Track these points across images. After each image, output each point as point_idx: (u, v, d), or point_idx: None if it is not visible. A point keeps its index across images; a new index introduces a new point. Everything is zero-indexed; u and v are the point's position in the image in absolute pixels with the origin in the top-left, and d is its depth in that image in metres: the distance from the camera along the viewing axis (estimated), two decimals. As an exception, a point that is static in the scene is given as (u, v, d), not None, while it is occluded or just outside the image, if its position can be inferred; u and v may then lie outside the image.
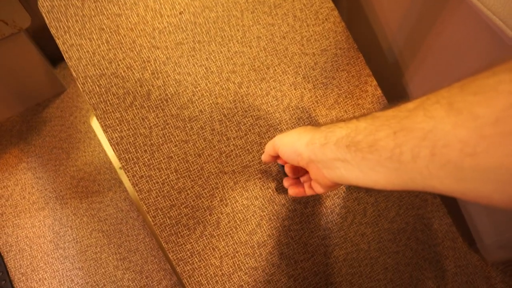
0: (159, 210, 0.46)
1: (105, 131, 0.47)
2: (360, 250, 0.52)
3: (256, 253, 0.48)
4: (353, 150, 0.28)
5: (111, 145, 0.47)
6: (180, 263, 0.45)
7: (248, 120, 0.51)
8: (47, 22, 0.48)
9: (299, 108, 0.53)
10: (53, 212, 0.82)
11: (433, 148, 0.21)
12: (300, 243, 0.49)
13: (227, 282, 0.46)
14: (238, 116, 0.51)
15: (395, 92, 0.92)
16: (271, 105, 0.52)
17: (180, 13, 0.53)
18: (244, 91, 0.52)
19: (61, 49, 0.48)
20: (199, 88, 0.51)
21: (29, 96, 0.93)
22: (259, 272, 0.47)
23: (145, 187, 0.46)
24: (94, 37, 0.49)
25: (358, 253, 0.51)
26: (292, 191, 0.44)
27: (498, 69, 0.19)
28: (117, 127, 0.47)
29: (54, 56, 0.98)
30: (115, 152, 0.47)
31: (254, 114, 0.51)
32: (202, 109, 0.50)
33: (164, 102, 0.49)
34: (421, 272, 0.53)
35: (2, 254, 0.77)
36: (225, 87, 0.51)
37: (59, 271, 0.77)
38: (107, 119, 0.47)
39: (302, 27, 0.56)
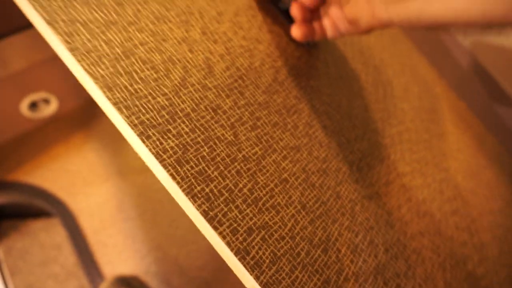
0: (78, 24, 0.24)
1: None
2: (409, 130, 0.41)
3: (289, 123, 0.31)
4: None
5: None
6: (151, 132, 0.24)
7: None
8: None
9: None
10: (115, 183, 0.99)
11: None
12: (341, 113, 0.36)
13: (258, 173, 0.26)
14: None
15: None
16: None
17: None
18: None
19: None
20: None
21: None
22: (305, 156, 0.30)
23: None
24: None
25: (409, 133, 0.41)
26: (300, 31, 0.32)
27: None
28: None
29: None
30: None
31: None
32: None
33: None
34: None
35: (76, 217, 0.93)
36: None
37: (124, 229, 0.92)
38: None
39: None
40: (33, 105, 1.01)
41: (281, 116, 0.30)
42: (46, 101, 1.04)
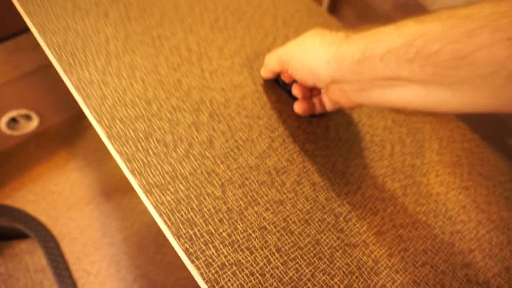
0: (117, 120, 0.34)
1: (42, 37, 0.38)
2: (419, 183, 0.41)
3: (277, 181, 0.35)
4: (421, 64, 0.21)
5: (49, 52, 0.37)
6: (154, 190, 0.31)
7: (232, 47, 0.45)
8: (56, 58, 0.38)
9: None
10: (99, 206, 0.93)
11: None
12: (335, 171, 0.38)
13: (238, 221, 0.31)
14: (218, 41, 0.45)
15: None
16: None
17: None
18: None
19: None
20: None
21: (73, 103, 1.05)
22: (288, 208, 0.34)
23: (96, 92, 0.35)
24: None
25: (418, 187, 0.41)
26: (300, 107, 0.36)
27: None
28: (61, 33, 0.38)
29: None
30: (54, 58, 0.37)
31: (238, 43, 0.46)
32: (174, 31, 0.44)
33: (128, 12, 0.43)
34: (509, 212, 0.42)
35: (58, 242, 0.88)
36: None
37: (107, 255, 0.87)
38: (48, 28, 0.39)
39: None
40: (14, 121, 0.96)
41: (269, 176, 0.35)
42: (28, 117, 0.98)
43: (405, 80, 0.23)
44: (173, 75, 0.40)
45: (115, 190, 0.96)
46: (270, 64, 0.36)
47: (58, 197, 0.94)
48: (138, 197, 1.00)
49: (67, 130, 1.05)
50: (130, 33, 0.42)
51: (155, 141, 0.34)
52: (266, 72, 0.38)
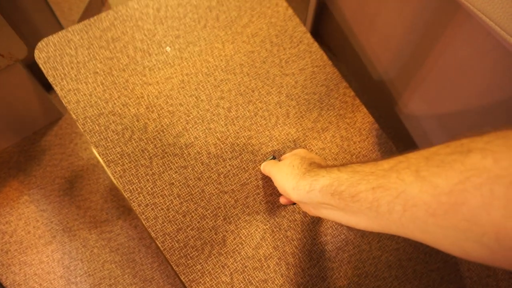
0: (166, 235, 0.49)
1: (107, 166, 0.50)
2: (362, 251, 0.54)
3: (264, 265, 0.50)
4: (337, 198, 0.32)
5: (114, 179, 0.50)
6: (192, 284, 0.48)
7: (241, 141, 0.55)
8: (44, 72, 0.52)
9: (286, 124, 0.57)
10: (62, 245, 0.83)
11: (405, 205, 0.25)
12: (304, 251, 0.52)
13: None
14: (231, 138, 0.55)
15: (389, 121, 0.97)
16: (260, 124, 0.56)
17: (166, 51, 0.57)
18: (233, 114, 0.56)
19: (59, 94, 0.52)
20: (191, 116, 0.55)
21: (25, 125, 0.92)
22: (269, 285, 0.50)
23: (151, 214, 0.49)
24: (90, 81, 0.53)
25: (361, 254, 0.54)
26: (283, 200, 0.50)
27: (455, 148, 0.24)
28: (119, 161, 0.50)
29: (46, 80, 0.97)
30: (118, 185, 0.50)
31: (246, 135, 0.55)
32: (197, 136, 0.54)
33: (161, 132, 0.53)
34: (424, 266, 0.56)
35: (13, 295, 0.78)
36: (216, 112, 0.55)
37: (73, 306, 0.78)
38: (109, 155, 0.50)
39: (279, 51, 0.60)
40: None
41: (259, 262, 0.51)
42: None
43: (334, 206, 0.33)
44: (198, 185, 0.52)
45: (80, 225, 0.86)
46: (265, 173, 0.51)
47: (10, 238, 0.83)
48: (109, 231, 0.90)
49: (18, 156, 0.92)
50: (165, 146, 0.53)
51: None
52: (264, 173, 0.53)
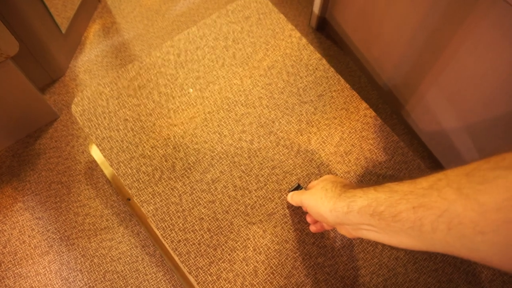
0: (200, 269, 0.50)
1: (141, 206, 0.53)
2: (398, 274, 0.52)
3: None
4: (377, 218, 0.31)
5: (148, 217, 0.53)
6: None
7: (265, 172, 0.56)
8: (80, 124, 0.57)
9: (309, 151, 0.58)
10: (59, 255, 0.75)
11: (449, 224, 0.25)
12: (337, 277, 0.52)
13: None
14: (255, 169, 0.56)
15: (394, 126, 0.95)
16: (283, 154, 0.57)
17: (189, 92, 0.61)
18: (256, 146, 0.57)
19: (95, 143, 0.56)
20: (216, 152, 0.57)
21: (18, 127, 0.84)
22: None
23: (183, 250, 0.51)
24: (121, 128, 0.57)
25: (397, 278, 0.52)
26: (313, 228, 0.50)
27: (496, 163, 0.24)
28: (151, 201, 0.53)
29: (39, 82, 0.88)
30: (152, 223, 0.52)
31: (269, 165, 0.57)
32: (222, 170, 0.56)
33: (188, 170, 0.55)
34: (467, 287, 0.53)
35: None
36: (239, 146, 0.57)
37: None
38: (142, 195, 0.53)
39: (296, 80, 0.62)
40: None
41: None
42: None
43: (374, 226, 0.33)
44: (226, 218, 0.53)
45: (79, 233, 0.77)
46: (294, 202, 0.51)
47: (3, 249, 0.75)
48: (110, 239, 0.81)
49: (11, 160, 0.83)
50: (193, 183, 0.55)
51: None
52: (292, 203, 0.52)
